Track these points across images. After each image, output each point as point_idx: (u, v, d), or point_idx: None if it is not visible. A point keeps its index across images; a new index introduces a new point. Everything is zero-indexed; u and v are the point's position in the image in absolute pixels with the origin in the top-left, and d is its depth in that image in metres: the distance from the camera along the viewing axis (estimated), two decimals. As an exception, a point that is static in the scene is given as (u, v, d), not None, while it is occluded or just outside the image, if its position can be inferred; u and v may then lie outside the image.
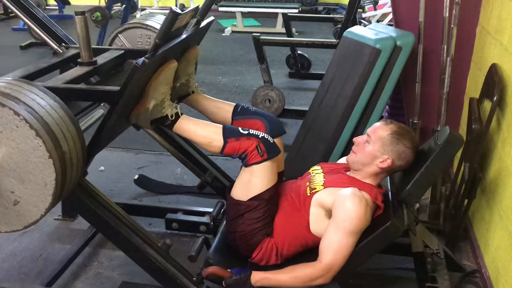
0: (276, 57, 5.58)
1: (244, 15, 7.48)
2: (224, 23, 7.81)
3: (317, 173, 1.78)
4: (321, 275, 1.53)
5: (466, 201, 2.17)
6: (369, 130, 1.71)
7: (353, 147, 1.73)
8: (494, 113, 2.01)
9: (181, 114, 1.75)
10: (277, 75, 4.89)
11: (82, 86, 1.69)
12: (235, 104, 1.99)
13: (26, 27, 6.83)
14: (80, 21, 1.73)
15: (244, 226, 1.70)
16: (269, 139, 1.68)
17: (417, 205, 2.52)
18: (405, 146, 1.63)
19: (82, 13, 1.73)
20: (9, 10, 7.80)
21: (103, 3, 8.11)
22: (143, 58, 1.45)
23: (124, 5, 6.31)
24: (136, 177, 2.86)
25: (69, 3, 8.35)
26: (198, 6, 1.93)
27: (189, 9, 1.76)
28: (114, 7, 6.50)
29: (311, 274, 1.54)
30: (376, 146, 1.65)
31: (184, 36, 1.79)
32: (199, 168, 2.35)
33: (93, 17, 5.59)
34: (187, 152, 2.33)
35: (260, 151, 1.63)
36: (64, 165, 1.33)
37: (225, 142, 1.66)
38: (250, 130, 1.69)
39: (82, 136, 1.44)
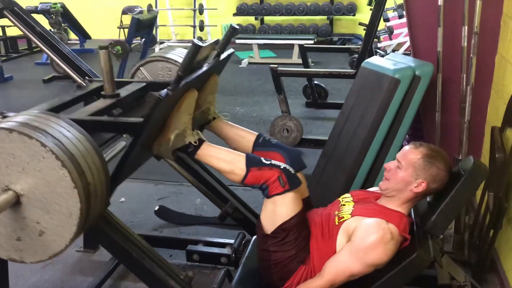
0: (292, 87, 5.63)
1: (261, 46, 7.59)
2: (241, 55, 7.93)
3: (347, 202, 1.77)
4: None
5: (491, 231, 2.13)
6: (398, 155, 1.67)
7: (385, 173, 1.70)
8: (517, 142, 1.99)
9: (204, 140, 1.76)
10: (294, 105, 4.91)
11: (106, 118, 1.73)
12: (257, 134, 2.00)
13: (48, 61, 7.03)
14: (104, 55, 1.77)
15: (277, 255, 1.68)
16: (290, 170, 1.68)
17: (441, 235, 2.47)
18: (439, 169, 1.60)
19: (106, 47, 1.78)
20: (33, 45, 8.06)
21: (123, 37, 8.34)
22: (166, 90, 1.48)
23: (143, 39, 6.48)
24: (156, 208, 2.88)
25: (89, 37, 8.60)
26: (218, 40, 1.97)
27: (210, 42, 1.80)
28: (134, 41, 6.65)
29: (314, 285, 1.60)
30: (408, 171, 1.61)
31: (205, 68, 1.83)
32: (220, 198, 2.35)
33: (114, 50, 5.73)
34: (207, 182, 2.34)
35: (281, 182, 1.63)
36: (88, 195, 1.34)
37: (248, 171, 1.66)
38: (272, 160, 1.71)
39: (106, 168, 1.46)
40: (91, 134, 1.45)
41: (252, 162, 1.69)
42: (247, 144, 1.98)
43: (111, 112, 1.87)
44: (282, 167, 1.67)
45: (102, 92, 1.86)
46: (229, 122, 2.06)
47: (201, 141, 1.74)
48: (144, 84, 2.02)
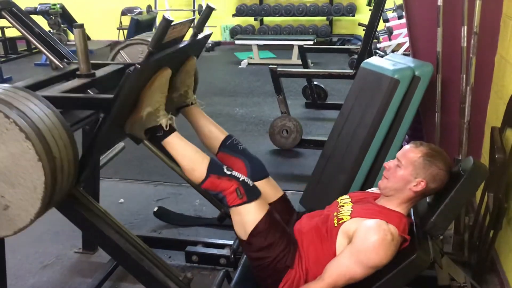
0: (292, 88, 5.63)
1: (260, 47, 7.58)
2: (240, 56, 7.93)
3: (345, 203, 1.77)
4: None
5: (491, 232, 2.12)
6: (398, 154, 1.67)
7: (384, 172, 1.69)
8: (517, 142, 1.98)
9: (175, 129, 1.77)
10: (294, 106, 4.91)
11: (76, 94, 1.70)
12: (227, 134, 2.03)
13: (48, 62, 7.02)
14: (78, 33, 1.75)
15: (261, 261, 1.69)
16: (248, 182, 1.71)
17: (441, 236, 2.46)
18: (439, 168, 1.60)
19: (81, 25, 1.75)
20: (32, 46, 8.05)
21: (122, 38, 8.34)
22: (135, 64, 1.48)
23: (142, 40, 6.46)
24: (155, 209, 2.86)
25: (89, 38, 8.57)
26: (194, 18, 1.96)
27: (185, 20, 1.78)
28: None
29: None
30: (408, 170, 1.61)
31: (179, 46, 1.81)
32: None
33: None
34: (206, 183, 2.33)
35: (239, 194, 1.67)
36: (54, 170, 1.33)
37: (207, 176, 1.69)
38: (233, 171, 1.73)
39: (74, 144, 1.44)
40: (64, 113, 1.43)
41: (213, 168, 1.71)
42: (214, 142, 2.01)
43: (86, 92, 1.85)
44: (240, 179, 1.70)
45: (77, 72, 1.83)
46: (205, 114, 2.07)
47: (172, 129, 1.75)
48: (121, 66, 2.00)
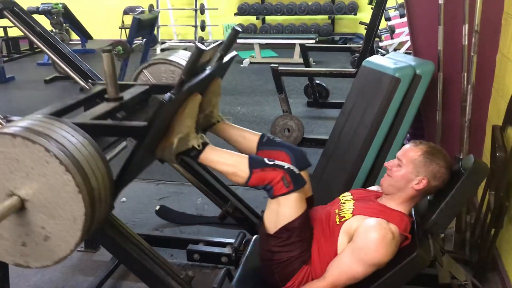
0: (294, 86, 5.63)
1: (262, 46, 7.59)
2: (242, 55, 7.92)
3: (347, 200, 1.76)
4: None
5: (493, 230, 2.12)
6: (399, 153, 1.67)
7: (387, 172, 1.69)
8: (518, 141, 1.98)
9: (207, 143, 1.75)
10: (295, 105, 4.92)
11: (109, 122, 1.71)
12: (260, 134, 1.99)
13: (50, 61, 7.04)
14: (107, 58, 1.75)
15: (280, 255, 1.67)
16: (294, 170, 1.66)
17: (442, 234, 2.46)
18: (439, 166, 1.60)
19: (109, 50, 1.75)
20: (35, 46, 8.08)
21: (124, 37, 8.34)
22: (169, 94, 1.47)
23: (145, 39, 6.47)
24: (157, 207, 2.87)
25: (91, 38, 8.62)
26: (222, 41, 1.95)
27: (213, 45, 1.78)
28: (135, 41, 6.65)
29: (316, 287, 1.60)
30: (409, 168, 1.61)
31: (208, 71, 1.81)
32: (220, 198, 2.35)
33: (115, 51, 5.73)
34: (208, 182, 2.34)
35: (285, 182, 1.61)
36: (93, 200, 1.34)
37: (251, 173, 1.65)
38: (276, 161, 1.68)
39: (110, 172, 1.45)
40: (94, 138, 1.44)
41: (255, 163, 1.67)
42: (250, 145, 1.96)
43: (114, 116, 1.86)
44: (286, 167, 1.65)
45: (106, 96, 1.84)
46: (232, 124, 2.04)
47: (204, 145, 1.73)
48: (147, 87, 2.00)
